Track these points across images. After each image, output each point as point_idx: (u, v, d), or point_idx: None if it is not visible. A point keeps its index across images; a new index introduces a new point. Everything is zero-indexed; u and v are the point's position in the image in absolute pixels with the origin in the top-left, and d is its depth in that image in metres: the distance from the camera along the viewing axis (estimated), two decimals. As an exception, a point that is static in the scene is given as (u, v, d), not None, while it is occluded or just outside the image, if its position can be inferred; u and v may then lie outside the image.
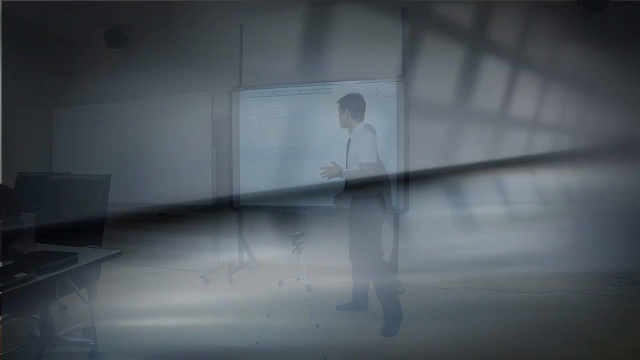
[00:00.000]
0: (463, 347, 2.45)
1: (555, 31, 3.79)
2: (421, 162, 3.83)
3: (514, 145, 3.88)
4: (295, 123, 3.94)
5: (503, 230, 3.79)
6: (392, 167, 3.47)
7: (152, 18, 4.49)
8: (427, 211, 3.93)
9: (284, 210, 4.02)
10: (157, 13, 4.35)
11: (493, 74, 3.89)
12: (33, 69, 4.68)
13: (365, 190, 2.74)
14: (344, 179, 2.86)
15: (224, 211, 4.16)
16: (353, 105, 2.83)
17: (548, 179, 3.85)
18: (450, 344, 2.49)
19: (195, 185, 3.98)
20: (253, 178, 4.05)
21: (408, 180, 3.56)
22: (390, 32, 3.95)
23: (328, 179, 2.82)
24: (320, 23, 4.12)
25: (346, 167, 2.83)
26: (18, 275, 1.55)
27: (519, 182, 3.88)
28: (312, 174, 3.78)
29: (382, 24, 3.97)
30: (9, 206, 1.93)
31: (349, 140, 2.87)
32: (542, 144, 3.86)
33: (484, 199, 3.90)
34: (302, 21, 4.17)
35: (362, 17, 4.02)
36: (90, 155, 4.45)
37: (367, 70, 3.93)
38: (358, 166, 2.70)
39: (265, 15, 4.24)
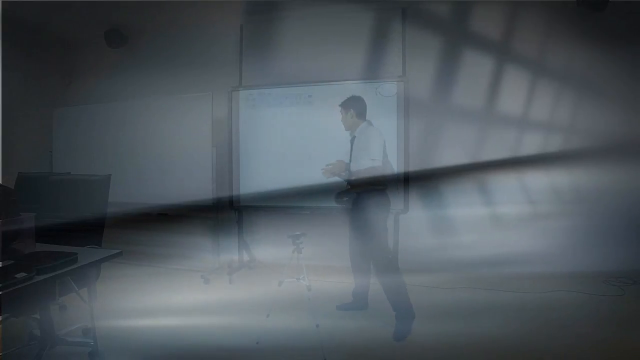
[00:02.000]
0: (463, 347, 2.45)
1: (554, 31, 3.79)
2: (421, 162, 3.83)
3: (514, 144, 3.88)
4: (295, 123, 3.94)
5: (503, 230, 3.80)
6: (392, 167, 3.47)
7: (152, 18, 4.49)
8: (427, 211, 3.93)
9: (284, 210, 4.02)
10: (157, 13, 4.35)
11: (493, 74, 3.89)
12: (33, 69, 4.68)
13: (372, 187, 2.72)
14: (348, 177, 2.83)
15: (224, 211, 4.17)
16: (357, 106, 2.85)
17: (548, 178, 3.85)
18: (450, 344, 2.49)
19: (195, 185, 3.98)
20: (253, 178, 4.05)
21: (408, 180, 3.56)
22: (390, 32, 3.95)
23: (329, 176, 2.82)
24: (320, 23, 4.12)
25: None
26: (18, 275, 1.55)
27: (519, 181, 3.88)
28: (312, 174, 3.79)
29: (382, 24, 3.97)
30: (9, 206, 1.93)
31: (353, 138, 2.86)
32: (541, 143, 3.86)
33: (485, 199, 3.90)
34: (302, 21, 4.17)
35: (362, 17, 4.02)
36: (90, 155, 4.44)
37: (367, 70, 3.93)
38: (368, 161, 2.67)
39: (265, 15, 4.24)
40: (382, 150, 2.73)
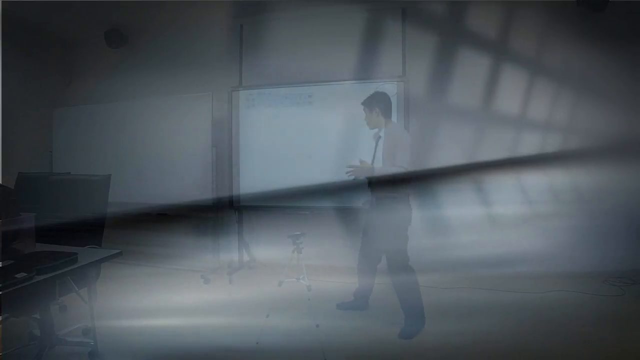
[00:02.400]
0: (463, 347, 2.45)
1: (554, 31, 3.79)
2: (421, 161, 3.83)
3: (514, 144, 3.87)
4: (295, 123, 3.94)
5: (503, 230, 3.79)
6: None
7: (152, 18, 4.49)
8: (426, 211, 3.92)
9: (284, 210, 4.02)
10: (157, 13, 4.35)
11: (493, 74, 3.89)
12: (33, 69, 4.68)
13: (397, 191, 2.65)
14: (367, 178, 2.74)
15: (224, 211, 4.17)
16: (383, 103, 2.76)
17: (547, 178, 3.85)
18: (450, 344, 2.49)
19: (195, 185, 3.98)
20: (253, 178, 4.05)
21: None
22: (390, 32, 3.95)
23: (355, 178, 2.71)
24: (320, 23, 4.11)
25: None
26: (18, 275, 1.55)
27: (518, 181, 3.87)
28: (312, 174, 3.80)
29: (382, 24, 3.97)
30: (9, 206, 1.93)
31: (379, 138, 2.78)
32: (540, 143, 3.86)
33: (484, 199, 3.90)
34: (302, 21, 4.17)
35: (362, 17, 4.02)
36: (90, 155, 4.44)
37: (367, 70, 3.93)
38: (392, 167, 2.59)
39: (265, 15, 4.24)
40: (409, 155, 2.63)
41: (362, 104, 2.81)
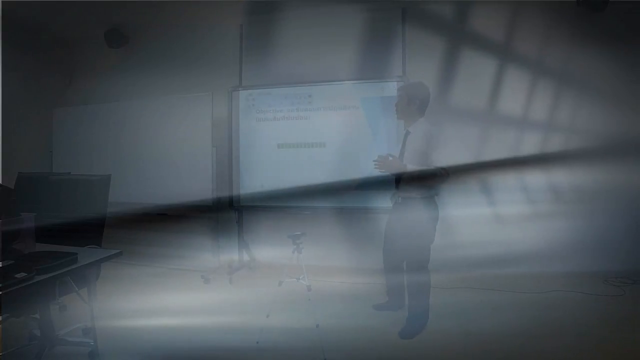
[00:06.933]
0: (463, 347, 2.45)
1: (554, 31, 3.79)
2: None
3: (515, 144, 3.87)
4: (295, 123, 3.94)
5: (503, 230, 3.79)
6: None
7: (152, 18, 4.49)
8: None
9: (284, 210, 4.02)
10: (157, 13, 4.35)
11: (492, 74, 3.89)
12: (33, 69, 4.68)
13: (425, 191, 2.57)
14: (395, 176, 2.65)
15: (224, 211, 4.16)
16: (423, 97, 2.60)
17: (548, 178, 3.85)
18: (450, 344, 2.49)
19: (195, 185, 3.98)
20: (253, 178, 4.05)
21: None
22: (390, 32, 3.95)
23: (383, 171, 2.56)
24: (320, 23, 4.11)
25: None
26: (18, 275, 1.55)
27: (519, 181, 3.87)
28: (312, 174, 3.80)
29: (382, 24, 3.97)
30: (9, 206, 1.93)
31: (407, 133, 2.67)
32: (541, 143, 3.86)
33: (483, 199, 3.90)
34: (302, 21, 4.17)
35: (363, 17, 4.02)
36: (90, 155, 4.44)
37: (367, 70, 3.93)
38: (426, 163, 2.49)
39: (265, 15, 4.24)
40: (442, 155, 2.52)
41: (401, 89, 2.65)
